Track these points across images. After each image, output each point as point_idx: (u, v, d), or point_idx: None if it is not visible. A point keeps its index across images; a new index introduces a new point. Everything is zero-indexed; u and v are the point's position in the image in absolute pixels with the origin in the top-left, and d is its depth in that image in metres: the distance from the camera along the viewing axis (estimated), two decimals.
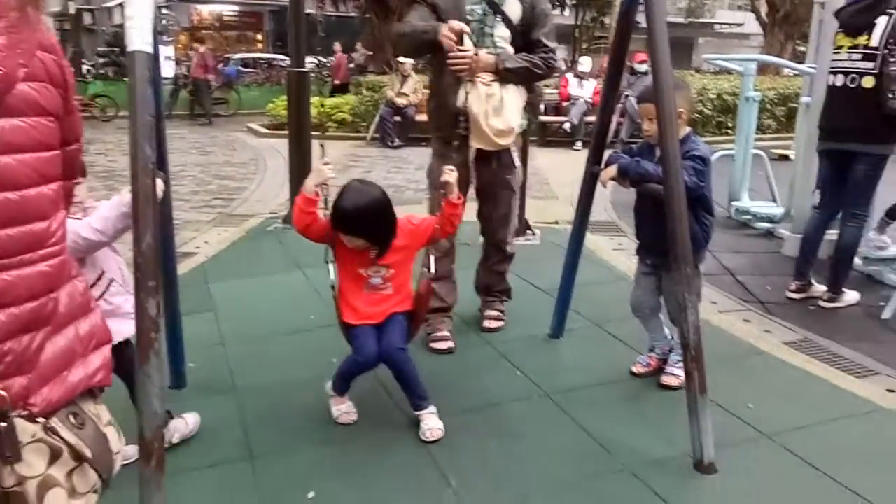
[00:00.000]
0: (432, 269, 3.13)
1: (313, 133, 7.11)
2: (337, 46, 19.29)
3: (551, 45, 3.66)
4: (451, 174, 2.98)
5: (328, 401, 3.12)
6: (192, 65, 17.46)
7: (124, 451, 1.37)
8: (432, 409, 2.99)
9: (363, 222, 2.86)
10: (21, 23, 1.06)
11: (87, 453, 1.19)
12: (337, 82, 18.46)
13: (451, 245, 3.83)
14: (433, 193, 3.65)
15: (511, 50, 3.56)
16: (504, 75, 3.51)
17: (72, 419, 1.20)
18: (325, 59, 21.59)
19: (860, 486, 2.60)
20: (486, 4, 3.53)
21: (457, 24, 3.35)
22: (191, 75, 17.05)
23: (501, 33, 3.56)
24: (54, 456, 1.14)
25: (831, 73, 4.52)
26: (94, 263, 2.51)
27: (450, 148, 3.47)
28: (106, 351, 1.32)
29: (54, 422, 1.16)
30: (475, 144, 3.57)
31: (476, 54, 3.41)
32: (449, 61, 3.43)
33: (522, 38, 3.59)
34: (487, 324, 4.04)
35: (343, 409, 3.08)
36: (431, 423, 2.93)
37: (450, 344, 3.78)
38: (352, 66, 19.93)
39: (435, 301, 3.79)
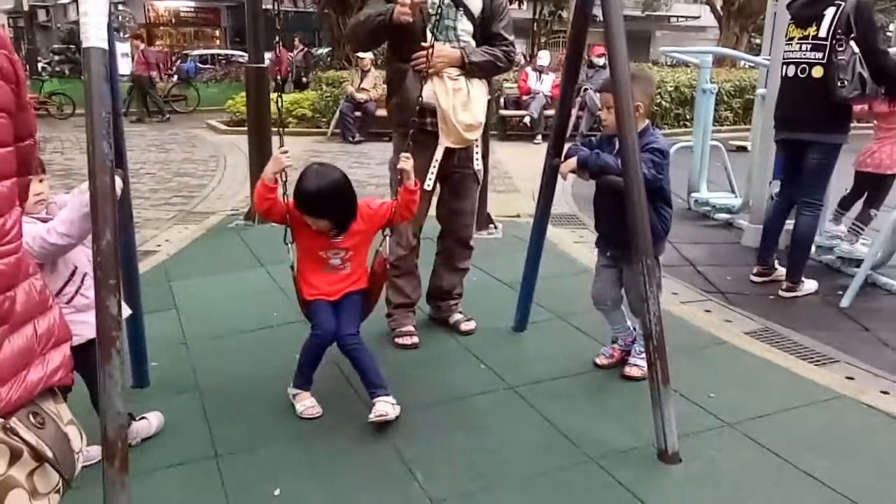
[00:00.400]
0: (387, 251, 3.27)
1: (273, 129, 7.06)
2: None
3: (510, 38, 3.65)
4: (406, 161, 3.08)
5: (291, 398, 3.13)
6: (133, 62, 17.08)
7: (87, 452, 1.35)
8: (388, 397, 2.98)
9: (325, 203, 2.94)
10: None
11: (48, 453, 1.17)
12: (278, 78, 18.09)
13: (417, 241, 3.81)
14: (396, 188, 3.62)
15: (473, 43, 3.54)
16: (470, 69, 3.50)
17: (31, 419, 1.18)
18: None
19: (821, 473, 2.66)
20: None
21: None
22: (133, 73, 16.65)
23: (464, 27, 3.53)
24: (14, 457, 1.12)
25: (784, 63, 4.63)
26: (65, 260, 2.48)
27: (414, 144, 3.37)
28: (65, 349, 1.30)
29: (13, 422, 1.14)
30: (445, 143, 3.54)
31: (432, 47, 3.33)
32: (412, 57, 3.40)
33: (482, 32, 3.57)
34: (467, 326, 3.96)
35: (307, 405, 3.08)
36: (379, 407, 2.93)
37: (415, 339, 3.78)
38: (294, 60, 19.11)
39: (400, 297, 3.79)
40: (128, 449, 2.05)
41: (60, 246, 2.33)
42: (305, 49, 19.62)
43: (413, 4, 3.27)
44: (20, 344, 1.18)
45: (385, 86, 12.77)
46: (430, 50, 3.29)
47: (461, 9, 3.51)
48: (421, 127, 3.47)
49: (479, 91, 3.56)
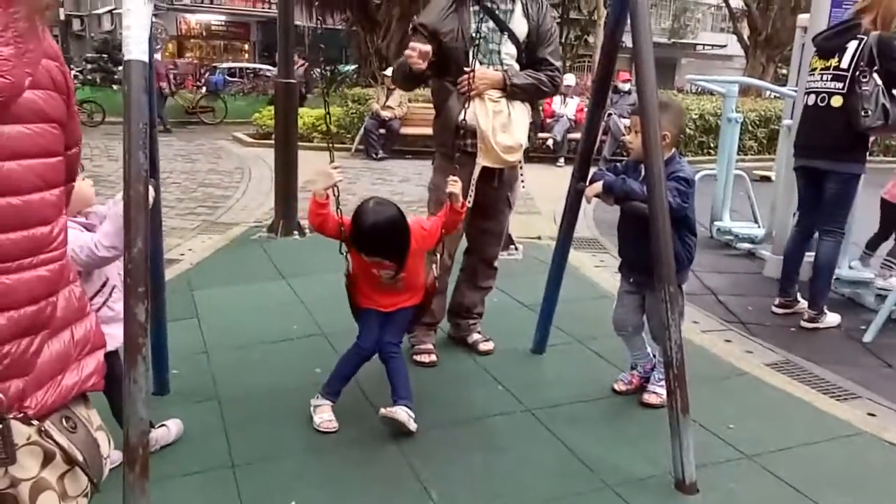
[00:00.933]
0: (436, 271, 3.26)
1: (300, 143, 7.13)
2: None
3: (556, 63, 3.67)
4: (455, 185, 3.10)
5: (312, 409, 3.13)
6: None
7: (111, 456, 1.37)
8: (409, 408, 3.04)
9: (381, 243, 2.96)
10: (28, 33, 1.07)
11: (79, 457, 1.19)
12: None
13: (452, 261, 3.82)
14: (435, 210, 3.60)
15: (517, 67, 3.57)
16: (511, 91, 3.52)
17: (65, 423, 1.20)
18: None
19: None
20: (493, 22, 3.52)
21: (417, 46, 3.32)
22: None
23: (508, 50, 3.56)
24: (47, 459, 1.14)
25: (806, 93, 4.70)
26: (100, 271, 2.53)
27: (453, 164, 3.41)
28: (100, 355, 1.32)
29: (48, 425, 1.16)
30: (483, 162, 3.54)
31: (473, 71, 3.37)
32: (458, 81, 3.45)
33: (528, 56, 3.60)
34: (485, 347, 3.97)
35: (325, 418, 3.09)
36: (395, 409, 3.00)
37: (433, 357, 3.79)
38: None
39: (426, 316, 3.79)
40: (149, 455, 2.07)
41: (108, 258, 2.39)
42: (306, 64, 19.04)
43: (420, 54, 3.31)
44: (58, 348, 1.21)
45: (409, 105, 12.80)
46: (472, 73, 3.33)
47: (506, 32, 3.55)
48: (462, 148, 3.51)
49: (520, 114, 3.58)
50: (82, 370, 1.26)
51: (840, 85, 4.38)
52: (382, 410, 2.99)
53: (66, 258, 1.22)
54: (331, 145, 3.23)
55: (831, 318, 4.73)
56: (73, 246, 2.23)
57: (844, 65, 4.36)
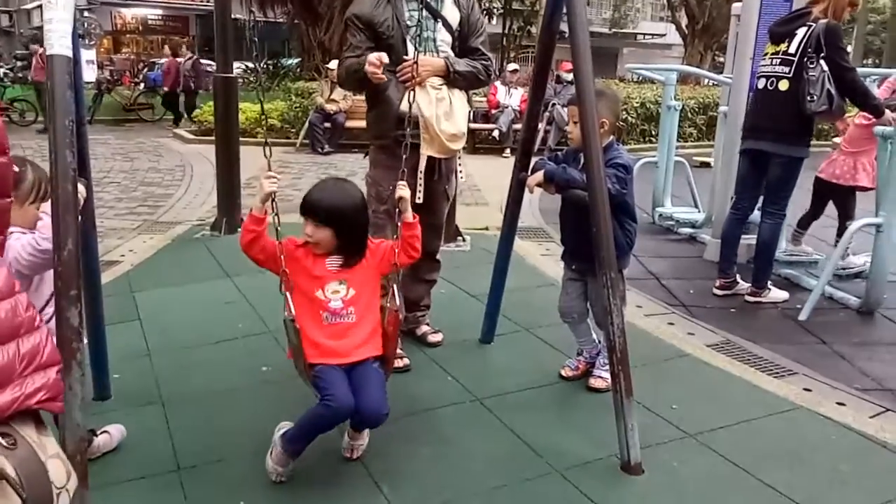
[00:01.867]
0: (398, 302, 2.79)
1: (241, 139, 7.02)
2: (167, 50, 17.73)
3: (488, 53, 3.69)
4: (404, 189, 2.81)
5: (270, 450, 2.70)
6: (32, 67, 16.43)
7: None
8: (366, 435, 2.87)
9: (338, 211, 2.63)
10: None
11: (10, 473, 1.13)
12: (166, 89, 16.90)
13: None
14: (377, 207, 3.50)
15: (452, 54, 3.56)
16: (454, 78, 3.50)
17: (1, 439, 1.14)
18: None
19: (780, 483, 2.71)
20: (426, 10, 3.47)
21: (374, 57, 3.29)
22: (33, 78, 16.15)
23: (443, 37, 3.55)
24: None
25: (757, 77, 4.87)
26: (48, 281, 2.42)
27: (395, 157, 3.29)
28: (51, 373, 1.25)
29: None
30: (427, 152, 3.48)
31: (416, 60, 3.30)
32: (398, 69, 3.40)
33: (460, 46, 3.60)
34: (434, 338, 3.96)
35: (280, 471, 2.65)
36: (358, 441, 2.83)
37: (406, 361, 3.63)
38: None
39: None
40: (87, 463, 2.03)
41: (48, 259, 2.25)
42: (193, 57, 17.44)
43: (378, 64, 3.27)
44: None
45: (353, 98, 12.59)
46: (420, 61, 3.27)
47: (439, 20, 3.53)
48: (401, 139, 3.43)
49: (460, 102, 3.56)
50: (26, 386, 1.20)
51: (787, 69, 4.53)
52: (348, 453, 2.82)
53: (4, 269, 1.17)
54: (267, 149, 2.69)
55: (777, 294, 4.91)
56: (17, 249, 2.16)
57: (792, 50, 4.51)
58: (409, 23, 3.43)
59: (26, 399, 1.19)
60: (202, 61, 17.72)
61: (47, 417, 1.36)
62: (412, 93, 3.20)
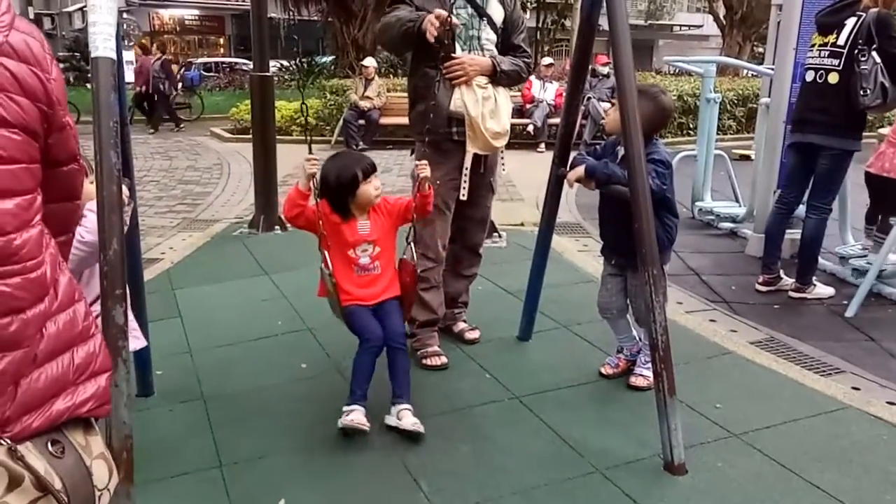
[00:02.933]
0: (413, 258, 3.19)
1: (278, 137, 7.07)
2: (137, 49, 16.70)
3: (528, 49, 3.71)
4: (424, 169, 3.09)
5: (341, 419, 2.95)
6: None
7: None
8: (410, 409, 3.02)
9: (350, 160, 3.13)
10: None
11: (56, 484, 1.11)
12: (139, 89, 15.87)
13: (445, 252, 3.72)
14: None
15: (496, 52, 3.55)
16: (499, 77, 3.51)
17: (50, 446, 1.14)
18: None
19: (828, 484, 2.65)
20: (472, 7, 3.49)
21: (443, 12, 3.20)
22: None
23: (488, 36, 3.54)
24: (13, 482, 1.07)
25: (805, 69, 4.74)
26: (97, 276, 2.45)
27: (440, 153, 3.40)
28: (101, 380, 1.25)
29: (25, 446, 1.10)
30: (472, 149, 3.50)
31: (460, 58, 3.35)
32: (445, 66, 3.38)
33: (502, 43, 3.60)
34: (471, 335, 3.95)
35: (357, 418, 2.94)
36: (408, 420, 2.97)
37: (444, 360, 3.65)
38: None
39: (426, 313, 3.69)
40: (132, 459, 2.04)
41: (94, 244, 2.25)
42: (162, 57, 16.47)
43: (443, 19, 3.19)
44: (54, 372, 1.15)
45: (388, 94, 12.62)
46: (469, 60, 3.34)
47: (485, 18, 3.53)
48: (447, 136, 3.47)
49: (504, 99, 3.57)
50: (78, 395, 1.19)
51: (836, 62, 4.41)
52: (388, 421, 3.00)
53: (47, 275, 1.16)
54: (308, 137, 3.22)
55: (822, 290, 4.81)
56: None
57: (841, 42, 4.39)
58: (458, 21, 3.40)
59: (77, 408, 1.19)
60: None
61: None
62: (458, 90, 3.28)
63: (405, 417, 2.98)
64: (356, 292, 3.09)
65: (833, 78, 4.42)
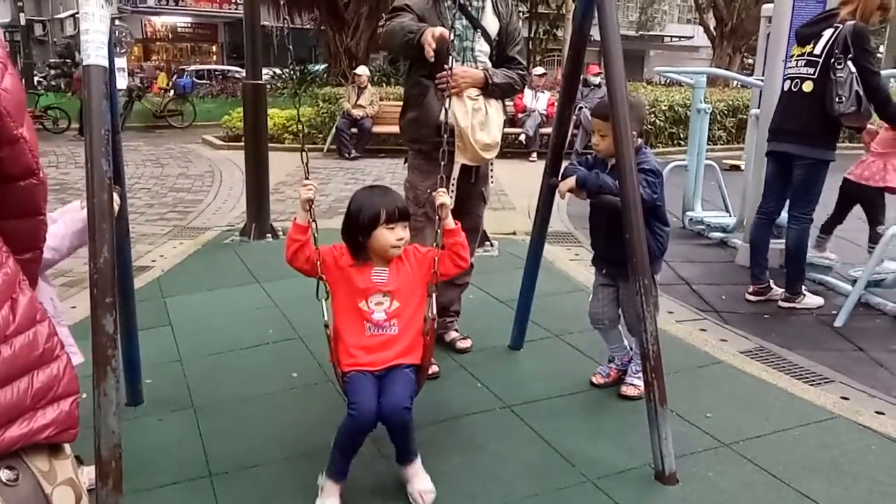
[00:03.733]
0: (433, 312, 2.73)
1: (270, 145, 7.06)
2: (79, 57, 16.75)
3: (524, 62, 3.72)
4: (444, 196, 2.74)
5: (318, 490, 2.58)
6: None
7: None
8: (419, 462, 2.64)
9: (406, 207, 2.69)
10: None
11: None
12: (74, 94, 15.96)
13: None
14: (415, 210, 3.49)
15: (489, 65, 3.57)
16: (491, 90, 3.52)
17: (3, 474, 1.08)
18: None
19: (817, 494, 2.65)
20: (467, 19, 3.51)
21: (440, 31, 3.23)
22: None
23: (482, 48, 3.56)
24: None
25: (783, 79, 4.81)
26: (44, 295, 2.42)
27: (431, 161, 3.40)
28: (64, 405, 1.19)
29: None
30: (461, 160, 3.50)
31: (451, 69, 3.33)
32: (437, 77, 3.40)
33: (497, 54, 3.61)
34: (463, 344, 3.94)
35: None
36: (423, 485, 2.59)
37: (435, 369, 3.58)
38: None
39: None
40: (121, 468, 2.03)
41: (47, 259, 2.26)
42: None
43: (440, 39, 3.21)
44: (8, 399, 1.10)
45: (381, 103, 12.59)
46: (461, 73, 3.33)
47: (479, 30, 3.55)
48: (437, 146, 3.45)
49: (495, 111, 3.57)
50: (35, 421, 1.14)
51: (812, 70, 4.46)
52: (415, 499, 2.58)
53: (18, 293, 1.12)
54: (304, 158, 2.81)
55: (812, 300, 4.83)
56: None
57: (818, 51, 4.44)
58: (450, 30, 3.41)
59: (34, 434, 1.13)
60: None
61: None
62: (451, 99, 3.19)
63: (413, 484, 2.60)
64: (362, 357, 2.59)
65: (808, 86, 4.47)
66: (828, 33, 4.42)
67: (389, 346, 2.61)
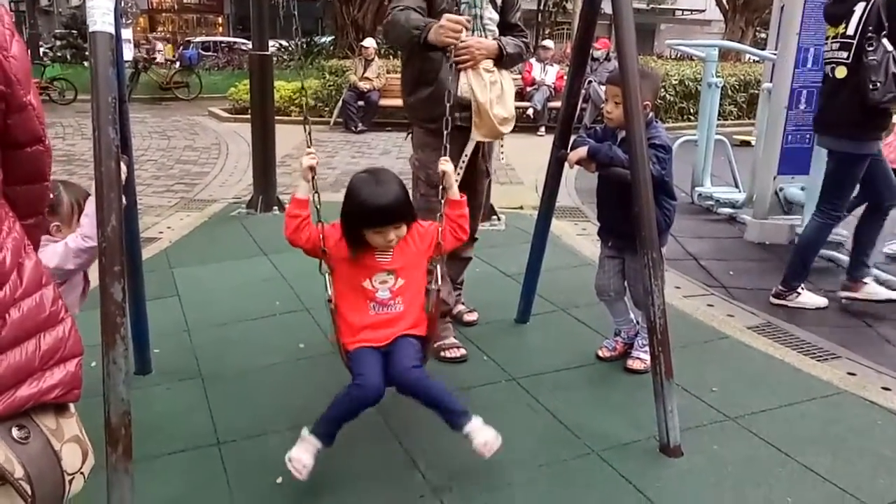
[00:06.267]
0: (438, 284, 2.70)
1: (277, 117, 7.04)
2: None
3: (524, 29, 3.62)
4: (447, 163, 2.72)
5: (296, 444, 2.48)
6: None
7: None
8: (477, 421, 2.50)
9: (405, 204, 2.57)
10: None
11: (17, 472, 1.09)
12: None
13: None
14: (427, 191, 3.38)
15: (497, 33, 3.45)
16: (505, 60, 3.39)
17: (15, 433, 1.11)
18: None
19: (822, 468, 2.66)
20: None
21: (456, 20, 3.04)
22: None
23: (491, 15, 3.41)
24: None
25: (823, 63, 4.31)
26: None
27: (442, 138, 3.13)
28: (70, 366, 1.22)
29: None
30: (477, 136, 3.37)
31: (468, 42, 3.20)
32: (453, 49, 3.17)
33: (500, 22, 3.49)
34: (469, 317, 3.93)
35: (301, 458, 2.42)
36: (484, 436, 2.46)
37: (463, 351, 3.53)
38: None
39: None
40: (131, 435, 2.05)
41: (91, 247, 2.24)
42: None
43: (459, 27, 3.04)
44: (17, 360, 1.12)
45: (388, 75, 12.47)
46: (477, 44, 3.21)
47: None
48: (452, 122, 3.36)
49: (509, 83, 3.45)
50: (44, 381, 1.17)
51: (845, 54, 3.95)
52: (481, 452, 2.45)
53: (6, 261, 1.12)
54: (308, 128, 2.71)
55: (807, 299, 4.43)
56: (59, 258, 2.20)
57: (850, 31, 3.92)
58: (461, 0, 3.30)
59: (43, 395, 1.16)
60: None
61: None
62: (464, 74, 3.16)
63: (475, 439, 2.46)
64: (366, 335, 2.56)
65: (841, 73, 3.99)
66: (859, 8, 3.89)
67: (394, 323, 2.59)
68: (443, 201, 2.73)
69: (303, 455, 2.43)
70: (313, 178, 2.59)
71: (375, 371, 2.45)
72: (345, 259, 2.59)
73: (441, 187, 2.75)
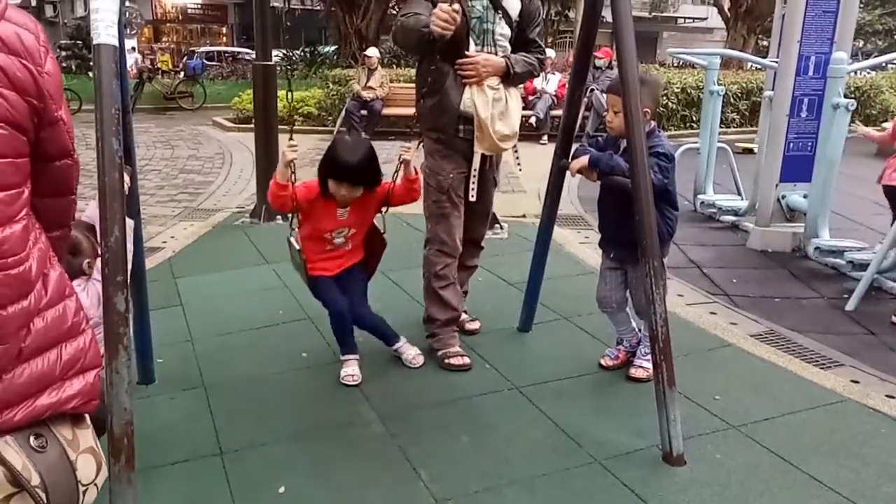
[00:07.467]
0: (385, 227, 3.51)
1: (280, 127, 7.06)
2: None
3: (542, 44, 3.62)
4: (408, 152, 3.30)
5: (342, 367, 3.38)
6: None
7: None
8: (403, 340, 3.55)
9: (371, 169, 3.22)
10: None
11: (34, 480, 1.10)
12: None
13: (461, 248, 3.63)
14: (438, 197, 3.50)
15: (509, 48, 3.44)
16: (512, 78, 3.41)
17: (33, 440, 1.12)
18: None
19: (826, 476, 2.65)
20: (487, 0, 3.35)
21: (448, 8, 3.01)
22: None
23: (502, 31, 3.41)
24: None
25: None
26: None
27: (451, 147, 3.41)
28: (89, 377, 1.24)
29: (5, 440, 1.09)
30: (479, 150, 3.44)
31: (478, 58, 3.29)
32: (459, 63, 3.28)
33: (517, 36, 3.48)
34: (472, 326, 3.94)
35: (347, 371, 3.35)
36: (411, 352, 3.52)
37: (466, 360, 3.55)
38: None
39: (446, 312, 3.61)
40: (134, 445, 2.05)
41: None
42: None
43: (451, 12, 3.01)
44: (39, 368, 1.14)
45: (391, 84, 12.48)
46: (482, 61, 3.30)
47: (500, 11, 3.39)
48: (455, 134, 3.41)
49: (515, 100, 3.47)
50: (64, 391, 1.18)
51: None
52: (410, 364, 3.50)
53: (32, 270, 1.14)
54: (291, 126, 3.58)
55: None
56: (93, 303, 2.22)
57: None
58: (471, 14, 3.31)
59: (63, 404, 1.18)
60: None
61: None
62: (469, 88, 3.32)
63: (404, 356, 3.52)
64: (322, 265, 3.37)
65: None
66: None
67: (343, 256, 3.41)
68: (399, 174, 3.33)
69: (348, 370, 3.36)
70: (293, 168, 3.17)
71: (340, 298, 3.34)
72: (312, 213, 3.28)
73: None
